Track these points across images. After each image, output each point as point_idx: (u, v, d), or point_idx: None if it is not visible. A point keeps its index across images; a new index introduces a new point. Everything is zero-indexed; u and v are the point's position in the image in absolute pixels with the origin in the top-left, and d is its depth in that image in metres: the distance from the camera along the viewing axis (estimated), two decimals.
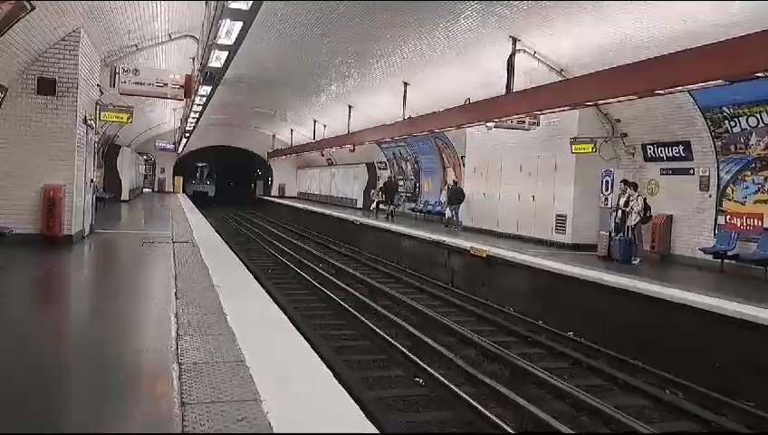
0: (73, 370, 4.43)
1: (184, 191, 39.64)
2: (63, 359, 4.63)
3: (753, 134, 10.95)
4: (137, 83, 11.50)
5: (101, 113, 12.19)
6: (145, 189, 37.59)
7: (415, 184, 24.50)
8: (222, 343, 4.56)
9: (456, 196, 18.47)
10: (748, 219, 11.17)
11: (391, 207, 22.95)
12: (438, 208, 21.00)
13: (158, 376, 4.02)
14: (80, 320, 6.07)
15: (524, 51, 12.05)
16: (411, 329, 9.20)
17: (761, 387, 6.94)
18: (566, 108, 10.86)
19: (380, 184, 26.96)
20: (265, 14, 10.90)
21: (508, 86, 11.94)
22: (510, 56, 11.95)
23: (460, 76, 14.53)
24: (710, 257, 11.51)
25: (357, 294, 11.90)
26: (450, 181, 20.55)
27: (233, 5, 6.69)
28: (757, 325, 7.17)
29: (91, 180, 12.35)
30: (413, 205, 23.72)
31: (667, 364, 7.89)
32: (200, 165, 46.01)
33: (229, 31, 7.92)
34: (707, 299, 8.09)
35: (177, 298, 6.15)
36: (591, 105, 11.59)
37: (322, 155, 32.09)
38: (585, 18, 10.39)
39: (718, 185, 11.81)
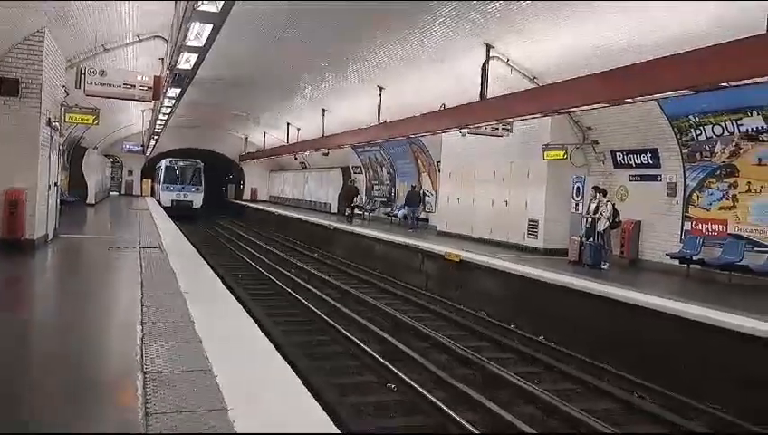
0: (32, 379, 4.28)
1: (153, 195, 36.30)
2: (22, 367, 4.47)
3: (718, 142, 11.20)
4: (103, 85, 11.26)
5: (66, 115, 11.90)
6: (112, 192, 36.82)
7: (390, 189, 24.49)
8: (188, 351, 4.46)
9: (413, 198, 20.37)
10: (713, 225, 11.40)
11: (350, 210, 23.59)
12: (414, 213, 21.06)
13: (122, 385, 3.91)
14: (41, 327, 5.86)
15: (498, 58, 12.14)
16: (384, 334, 9.16)
17: (708, 380, 7.10)
18: (538, 115, 10.97)
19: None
20: (238, 14, 10.76)
21: (482, 93, 12.01)
22: (484, 63, 12.04)
23: (436, 82, 14.57)
24: (677, 262, 11.72)
25: (329, 299, 11.81)
26: (424, 186, 21.33)
27: (202, 8, 6.57)
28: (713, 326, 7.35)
29: (55, 183, 12.04)
30: (388, 209, 23.72)
31: (634, 367, 8.01)
32: (181, 163, 32.64)
33: (199, 33, 7.78)
34: (668, 303, 8.28)
35: (143, 305, 6.01)
36: (563, 113, 11.72)
37: (296, 158, 31.91)
38: (557, 27, 10.51)
39: (684, 191, 12.04)
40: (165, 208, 26.57)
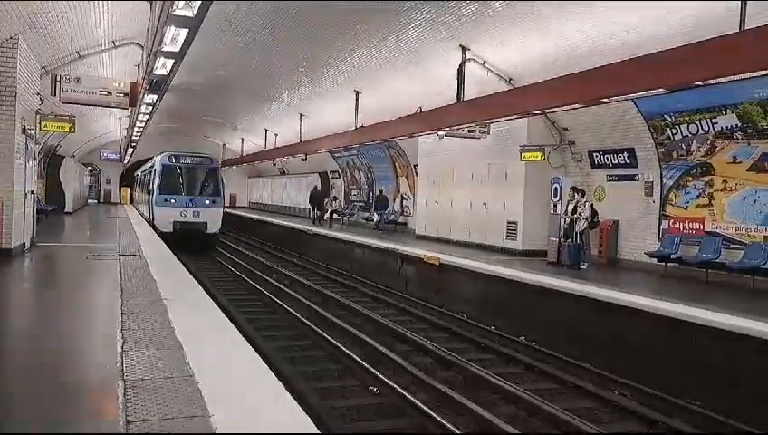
0: (13, 387, 4.21)
1: (132, 202, 35.01)
2: (2, 376, 4.39)
3: (694, 141, 11.39)
4: (79, 92, 11.11)
5: (42, 123, 11.73)
6: (90, 201, 36.32)
7: (368, 193, 24.51)
8: (169, 358, 4.42)
9: (381, 203, 21.64)
10: (690, 223, 11.60)
11: (318, 213, 24.60)
12: (392, 217, 21.24)
13: (103, 393, 3.86)
14: (20, 336, 5.76)
15: (474, 60, 12.23)
16: (365, 338, 9.15)
17: (690, 377, 7.21)
18: (514, 117, 11.06)
19: (333, 193, 27.05)
20: (215, 18, 10.73)
21: (459, 95, 12.09)
22: (460, 65, 12.12)
23: (412, 85, 14.63)
24: (655, 261, 11.88)
25: (310, 303, 11.77)
26: (402, 190, 21.66)
27: (178, 12, 6.51)
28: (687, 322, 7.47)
29: (32, 191, 11.86)
30: (367, 214, 23.75)
31: (615, 365, 8.10)
32: (188, 159, 20.17)
33: (175, 38, 7.70)
34: (648, 301, 8.40)
35: (122, 312, 5.94)
36: (539, 114, 11.84)
37: (274, 164, 31.78)
38: (532, 28, 10.63)
39: (661, 190, 12.22)
40: (162, 235, 16.49)
